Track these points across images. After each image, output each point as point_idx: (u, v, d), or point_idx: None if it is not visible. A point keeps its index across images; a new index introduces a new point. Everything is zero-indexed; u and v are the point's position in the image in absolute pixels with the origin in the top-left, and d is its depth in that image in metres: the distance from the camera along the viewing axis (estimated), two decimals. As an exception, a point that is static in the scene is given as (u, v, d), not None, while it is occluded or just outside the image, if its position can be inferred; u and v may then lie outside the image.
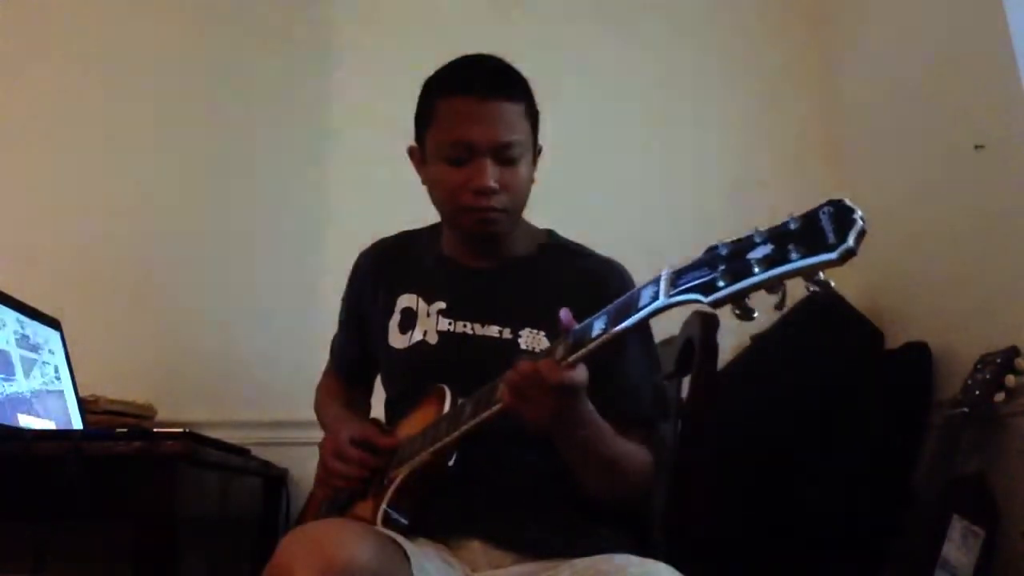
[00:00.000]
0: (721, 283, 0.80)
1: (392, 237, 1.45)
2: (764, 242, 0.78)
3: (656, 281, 0.88)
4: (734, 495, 1.70)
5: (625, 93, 2.35)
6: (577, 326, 0.99)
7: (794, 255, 0.75)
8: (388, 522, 1.12)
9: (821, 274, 0.76)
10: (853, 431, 1.78)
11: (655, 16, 2.40)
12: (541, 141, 1.35)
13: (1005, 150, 1.66)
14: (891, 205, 2.05)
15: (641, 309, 0.89)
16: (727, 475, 1.63)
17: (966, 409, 1.57)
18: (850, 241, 0.72)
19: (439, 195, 1.28)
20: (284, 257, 2.23)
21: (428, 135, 1.27)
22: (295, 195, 2.26)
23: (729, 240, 0.82)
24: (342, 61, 2.34)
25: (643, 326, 1.26)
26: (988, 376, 1.57)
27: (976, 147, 1.71)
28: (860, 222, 0.73)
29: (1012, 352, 1.58)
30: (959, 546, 1.53)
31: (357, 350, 1.44)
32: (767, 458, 1.79)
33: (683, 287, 0.84)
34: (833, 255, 0.72)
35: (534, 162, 1.30)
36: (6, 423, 1.43)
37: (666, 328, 1.33)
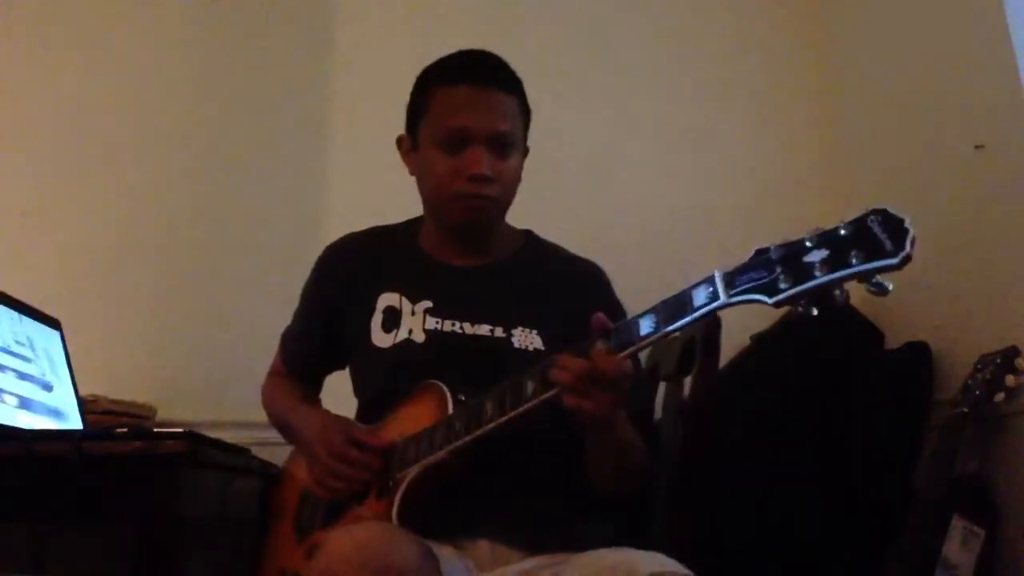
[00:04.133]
0: (783, 284, 0.84)
1: (362, 232, 1.44)
2: (817, 246, 0.83)
3: (710, 281, 0.90)
4: (735, 495, 1.70)
5: (625, 89, 2.35)
6: (616, 325, 1.00)
7: (854, 259, 0.80)
8: (402, 523, 1.11)
9: (878, 277, 0.80)
10: (853, 431, 1.78)
11: (655, 15, 2.40)
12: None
13: (1005, 150, 1.66)
14: (891, 205, 2.05)
15: (698, 308, 0.90)
16: (728, 475, 1.63)
17: (966, 409, 1.57)
18: (907, 248, 0.79)
19: (430, 182, 1.28)
20: (284, 256, 2.22)
21: (422, 123, 1.28)
22: (294, 194, 2.26)
23: (779, 244, 0.86)
24: (342, 59, 2.34)
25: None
26: (988, 376, 1.57)
27: (976, 147, 1.71)
28: (911, 230, 0.79)
29: (1012, 352, 1.58)
30: (959, 546, 1.53)
31: (316, 347, 1.43)
32: (767, 458, 1.79)
33: (743, 288, 0.87)
34: (894, 260, 0.79)
35: (522, 161, 1.31)
36: (6, 423, 1.43)
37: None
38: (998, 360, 1.58)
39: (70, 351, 1.79)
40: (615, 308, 1.31)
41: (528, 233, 1.40)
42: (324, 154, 2.28)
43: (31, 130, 2.26)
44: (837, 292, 0.83)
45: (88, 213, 2.21)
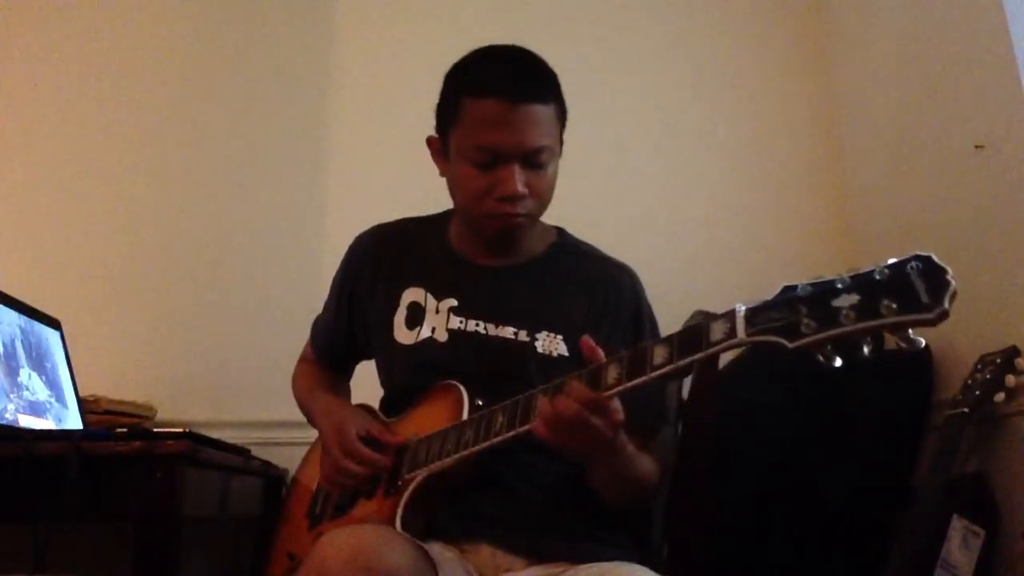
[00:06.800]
0: (805, 328, 0.79)
1: (393, 223, 1.41)
2: (848, 289, 0.78)
3: (729, 317, 0.86)
4: (734, 496, 1.70)
5: (624, 89, 2.35)
6: (630, 351, 0.96)
7: (885, 309, 0.75)
8: (405, 525, 1.11)
9: (910, 331, 0.75)
10: (853, 431, 1.78)
11: (655, 17, 2.40)
12: None
13: (1005, 150, 1.66)
14: (891, 205, 2.05)
15: (714, 344, 0.87)
16: (727, 476, 1.63)
17: (966, 409, 1.56)
18: (946, 304, 0.72)
19: (461, 195, 1.24)
20: (284, 256, 2.23)
21: (453, 133, 1.21)
22: (294, 194, 2.26)
23: (808, 282, 0.81)
24: (342, 57, 2.34)
25: (654, 329, 1.26)
26: (988, 376, 1.57)
27: (976, 147, 1.71)
28: (953, 283, 0.73)
29: (1012, 352, 1.58)
30: (959, 546, 1.53)
31: (345, 336, 1.41)
32: (767, 458, 1.79)
33: (763, 327, 0.83)
34: (930, 316, 0.72)
35: (557, 162, 1.24)
36: (6, 423, 1.43)
37: (667, 328, 1.33)
38: (998, 360, 1.58)
39: (70, 351, 1.79)
40: (641, 317, 1.28)
41: (560, 231, 1.36)
42: (324, 154, 2.29)
43: (31, 130, 2.26)
44: (865, 345, 0.77)
45: (88, 213, 2.21)
